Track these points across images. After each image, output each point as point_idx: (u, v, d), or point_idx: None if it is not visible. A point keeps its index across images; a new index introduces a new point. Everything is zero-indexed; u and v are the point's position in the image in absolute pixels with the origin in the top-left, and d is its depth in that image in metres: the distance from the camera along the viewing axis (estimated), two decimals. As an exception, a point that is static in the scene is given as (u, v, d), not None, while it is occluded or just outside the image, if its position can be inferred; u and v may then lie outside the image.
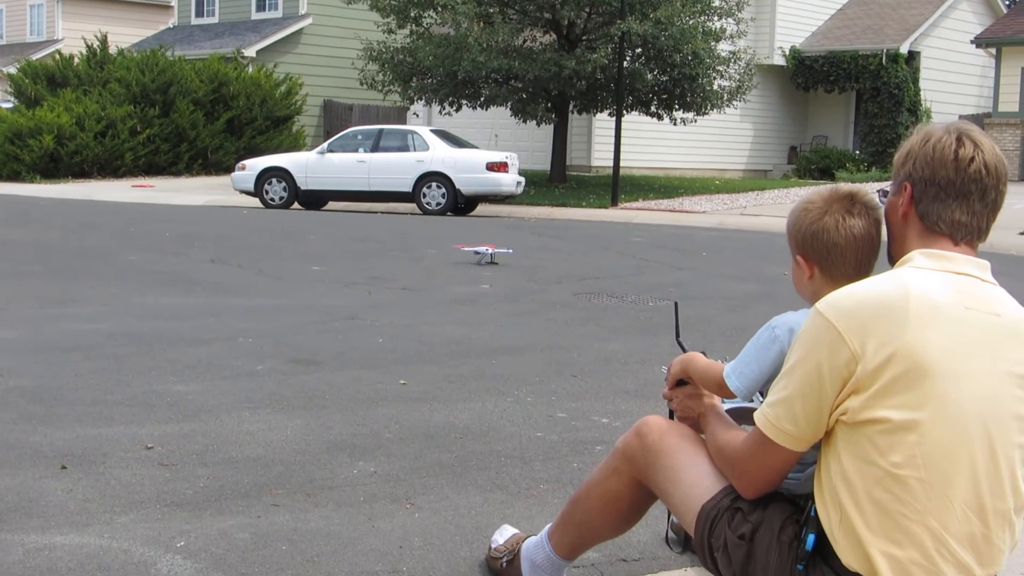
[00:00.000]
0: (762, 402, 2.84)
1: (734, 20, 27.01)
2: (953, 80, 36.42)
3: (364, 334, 8.34)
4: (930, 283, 2.67)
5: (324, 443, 5.27)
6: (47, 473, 4.69)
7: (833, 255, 2.98)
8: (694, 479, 3.05)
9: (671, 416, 3.32)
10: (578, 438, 5.48)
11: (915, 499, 2.63)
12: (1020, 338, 2.75)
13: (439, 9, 25.96)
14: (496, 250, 13.51)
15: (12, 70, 36.14)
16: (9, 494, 4.40)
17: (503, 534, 3.74)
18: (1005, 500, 2.73)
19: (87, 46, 34.55)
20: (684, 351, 3.36)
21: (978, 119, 32.79)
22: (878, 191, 3.01)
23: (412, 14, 27.22)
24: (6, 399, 5.96)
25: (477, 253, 13.40)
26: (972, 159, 2.71)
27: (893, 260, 2.85)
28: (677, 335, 3.57)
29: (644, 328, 9.02)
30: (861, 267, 2.97)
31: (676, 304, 3.81)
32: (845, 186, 3.11)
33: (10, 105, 33.78)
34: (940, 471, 2.63)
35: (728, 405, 3.14)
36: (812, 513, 2.77)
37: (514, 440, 5.40)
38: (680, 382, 3.23)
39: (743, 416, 3.01)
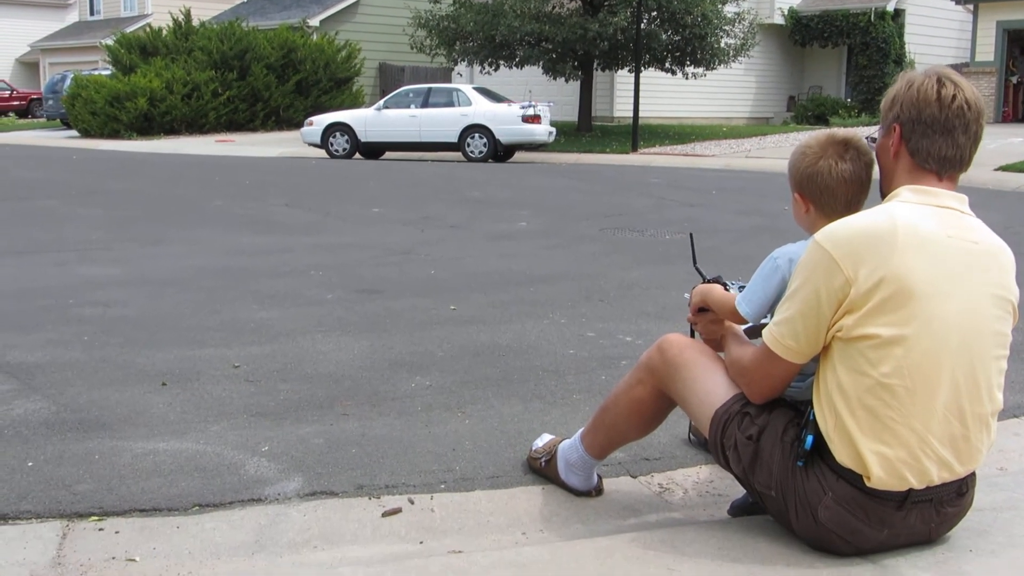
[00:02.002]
0: (770, 320, 2.84)
1: (739, -15, 26.59)
2: (935, 34, 35.72)
3: (418, 266, 8.35)
4: (915, 215, 2.65)
5: (386, 361, 5.29)
6: (150, 389, 4.75)
7: (826, 194, 2.97)
8: (708, 388, 3.06)
9: (692, 335, 3.34)
10: (605, 354, 5.47)
11: (902, 404, 2.63)
12: (995, 262, 2.73)
13: (479, -21, 25.70)
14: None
15: (109, 42, 36.04)
16: (119, 407, 4.46)
17: (542, 439, 3.76)
18: (983, 405, 2.73)
19: (173, 19, 34.38)
20: (702, 276, 3.38)
21: (957, 68, 32.13)
22: (867, 137, 2.98)
23: (455, -15, 26.98)
24: (114, 326, 6.02)
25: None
26: (954, 96, 2.68)
27: (884, 195, 2.83)
28: (694, 262, 3.57)
29: (662, 258, 8.97)
30: (851, 204, 2.97)
31: (691, 235, 3.80)
32: (840, 132, 3.08)
33: (109, 72, 33.73)
34: (924, 380, 2.63)
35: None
36: (811, 417, 2.78)
37: (550, 356, 5.40)
38: (701, 309, 3.24)
39: (757, 333, 3.01)
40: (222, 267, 8.27)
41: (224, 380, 4.89)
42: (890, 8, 33.77)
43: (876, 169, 2.92)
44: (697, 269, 3.47)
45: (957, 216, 2.71)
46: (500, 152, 22.81)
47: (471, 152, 22.62)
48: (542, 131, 22.72)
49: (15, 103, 46.08)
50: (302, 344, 5.61)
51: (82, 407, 4.45)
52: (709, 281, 3.31)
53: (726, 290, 3.22)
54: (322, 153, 23.75)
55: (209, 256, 8.92)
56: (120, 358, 5.29)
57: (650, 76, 28.61)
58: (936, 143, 2.68)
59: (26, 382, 4.84)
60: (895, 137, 2.76)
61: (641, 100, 25.30)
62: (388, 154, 24.12)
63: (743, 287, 3.15)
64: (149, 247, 9.49)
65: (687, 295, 3.37)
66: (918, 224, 2.62)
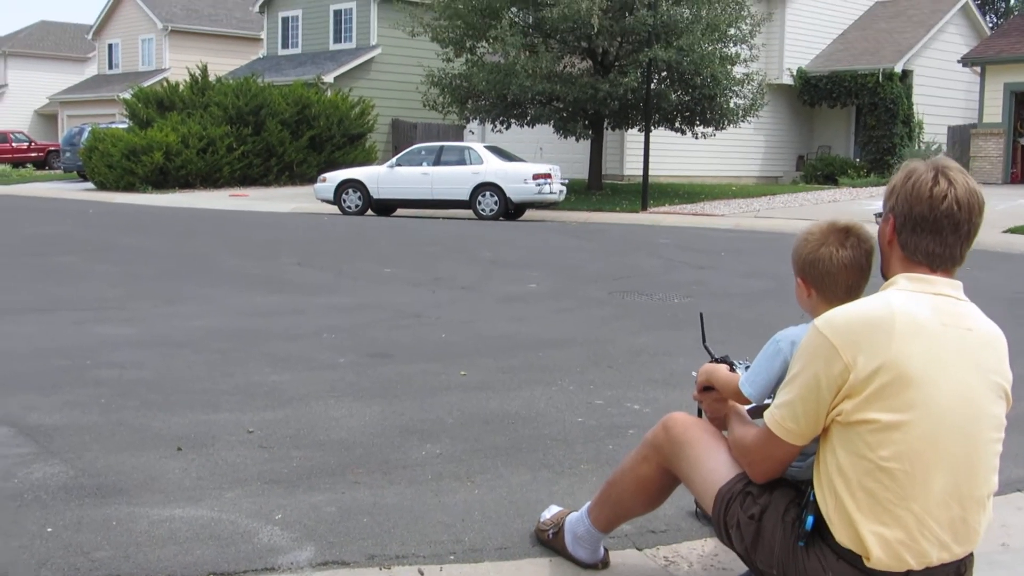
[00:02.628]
0: (772, 402, 2.92)
1: (747, 46, 26.88)
2: (943, 95, 36.01)
3: (429, 330, 8.44)
4: (912, 303, 2.73)
5: (397, 428, 5.37)
6: (166, 454, 4.83)
7: (827, 280, 3.07)
8: (712, 466, 3.13)
9: (699, 414, 3.42)
10: (613, 423, 5.55)
11: (901, 488, 2.70)
12: (990, 348, 2.80)
13: (491, 40, 25.98)
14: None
15: (127, 95, 36.52)
16: (136, 472, 4.54)
17: (549, 511, 3.83)
18: (980, 487, 2.79)
19: (190, 75, 34.83)
20: (710, 354, 3.46)
21: (965, 129, 32.42)
22: (875, 214, 3.05)
23: (467, 44, 27.32)
24: (130, 388, 6.11)
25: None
26: (945, 196, 2.75)
27: (885, 276, 2.91)
28: (703, 340, 3.65)
29: (670, 323, 9.05)
30: (851, 291, 3.06)
31: (701, 315, 3.89)
32: (841, 220, 3.18)
33: (125, 126, 34.12)
34: (923, 464, 2.69)
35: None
36: (811, 498, 2.84)
37: (558, 425, 5.48)
38: (707, 387, 3.33)
39: (760, 413, 3.09)
40: (236, 328, 8.38)
41: (238, 445, 4.98)
42: (898, 69, 34.08)
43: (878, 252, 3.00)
44: (706, 348, 3.56)
45: (952, 303, 2.79)
46: (511, 210, 22.99)
47: (482, 210, 22.80)
48: (553, 190, 22.90)
49: (33, 154, 46.59)
50: (315, 409, 5.70)
51: (100, 472, 4.54)
52: (717, 360, 3.40)
53: (732, 370, 3.30)
54: (335, 209, 23.95)
55: (223, 316, 9.03)
56: (136, 421, 5.38)
57: (660, 135, 28.89)
58: (924, 240, 2.76)
59: (45, 445, 4.93)
60: (889, 227, 2.85)
61: (651, 159, 25.52)
62: (400, 211, 24.32)
63: (749, 367, 3.23)
64: (164, 306, 9.60)
65: (694, 373, 3.45)
66: (914, 312, 2.70)
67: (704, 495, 3.13)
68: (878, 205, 3.02)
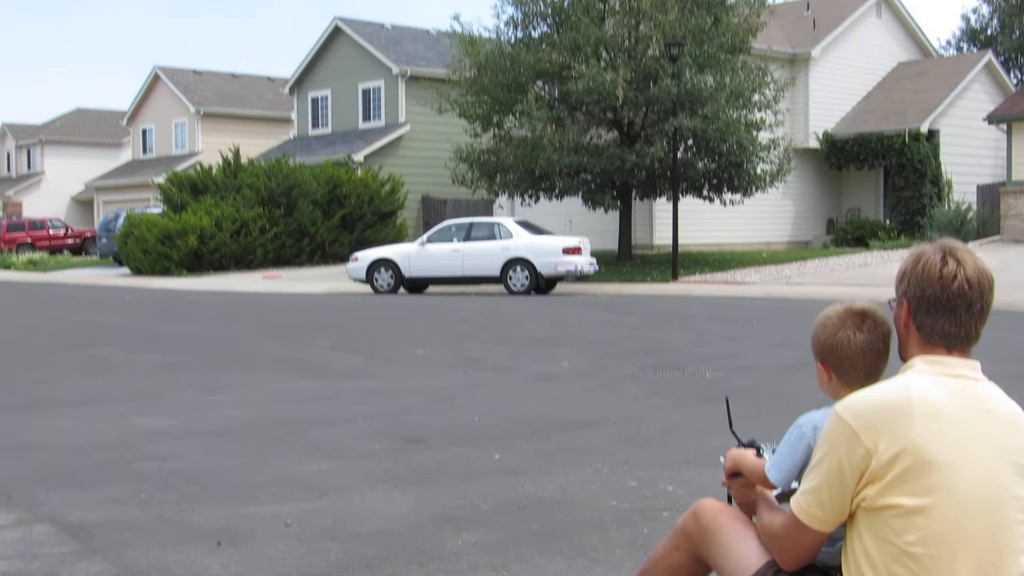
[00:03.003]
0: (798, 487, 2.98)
1: (772, 112, 27.10)
2: (970, 153, 36.01)
3: (463, 413, 8.52)
4: (930, 386, 2.79)
5: (433, 516, 5.43)
6: (206, 549, 4.92)
7: (846, 364, 3.14)
8: (742, 553, 3.18)
9: (729, 500, 3.46)
10: (647, 505, 5.59)
11: (927, 572, 2.74)
12: (1013, 429, 2.85)
13: (517, 115, 26.39)
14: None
15: (161, 180, 37.17)
16: (177, 568, 4.64)
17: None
18: (1007, 571, 2.82)
19: (223, 157, 35.40)
20: (737, 439, 3.52)
21: (994, 188, 32.37)
22: (888, 301, 3.12)
23: (494, 120, 27.70)
24: (170, 482, 6.22)
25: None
26: (955, 276, 2.82)
27: (903, 358, 2.98)
28: (730, 425, 3.69)
29: (702, 398, 9.08)
30: (871, 374, 3.13)
31: (727, 399, 3.93)
32: (858, 304, 3.24)
33: (159, 210, 34.68)
34: (948, 548, 2.73)
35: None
36: (841, 584, 2.88)
37: (592, 509, 5.53)
38: (735, 473, 3.39)
39: (788, 498, 3.14)
40: (272, 416, 8.49)
41: (277, 539, 5.05)
42: (924, 129, 34.16)
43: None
44: (733, 432, 3.61)
45: (971, 384, 2.84)
46: (542, 284, 23.12)
47: (513, 285, 22.95)
48: (583, 263, 23.04)
49: (70, 241, 47.38)
50: (351, 499, 5.78)
51: (142, 569, 4.63)
52: (744, 445, 3.45)
53: (759, 454, 3.36)
54: (367, 288, 24.17)
55: (260, 404, 9.15)
56: (176, 516, 5.48)
57: (689, 203, 29.05)
58: (940, 321, 2.83)
59: (87, 543, 5.03)
60: (904, 312, 2.92)
61: (680, 227, 25.65)
62: (432, 288, 24.51)
63: (775, 450, 3.29)
64: (202, 395, 9.74)
65: (722, 458, 3.51)
66: (933, 395, 2.76)
67: (735, 584, 3.18)
68: None
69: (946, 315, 2.83)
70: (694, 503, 3.38)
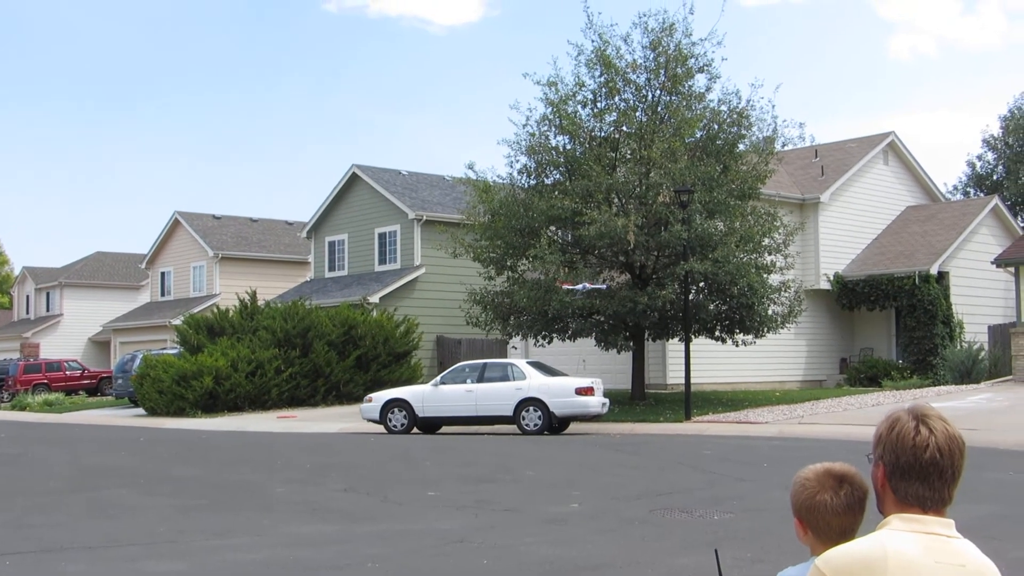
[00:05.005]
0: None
1: (782, 255, 27.52)
2: (980, 294, 36.33)
3: (472, 556, 8.60)
4: (904, 543, 2.97)
5: (439, 661, 5.52)
6: None
7: (822, 524, 3.33)
8: None
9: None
10: (650, 651, 5.66)
11: None
12: (982, 584, 3.01)
13: (530, 258, 26.86)
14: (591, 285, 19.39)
15: (177, 322, 37.63)
16: None
17: None
18: None
19: (240, 300, 35.94)
20: (727, 590, 3.66)
21: (1005, 328, 32.55)
22: (868, 455, 3.29)
23: (508, 263, 28.21)
24: (181, 627, 6.32)
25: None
26: (927, 446, 3.01)
27: (882, 513, 3.15)
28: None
29: (710, 542, 9.13)
30: (844, 533, 3.31)
31: (716, 552, 4.09)
32: (837, 467, 3.42)
33: (176, 352, 35.03)
34: None
35: None
36: None
37: (596, 654, 5.61)
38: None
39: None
40: (284, 560, 8.59)
41: None
42: (933, 271, 34.56)
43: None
44: (722, 585, 3.75)
45: (944, 541, 3.02)
46: (555, 424, 23.22)
47: (526, 425, 23.05)
48: (596, 403, 23.19)
49: (86, 382, 47.72)
50: (359, 644, 5.87)
51: None
52: (733, 594, 3.60)
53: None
54: (381, 428, 24.27)
55: (272, 548, 9.25)
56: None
57: (701, 343, 29.29)
58: (913, 487, 3.02)
59: None
60: (880, 474, 3.11)
61: (693, 367, 25.82)
62: (445, 428, 24.59)
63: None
64: (215, 539, 9.84)
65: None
66: (907, 551, 2.93)
67: None
68: None
69: (919, 481, 3.01)
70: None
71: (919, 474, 3.02)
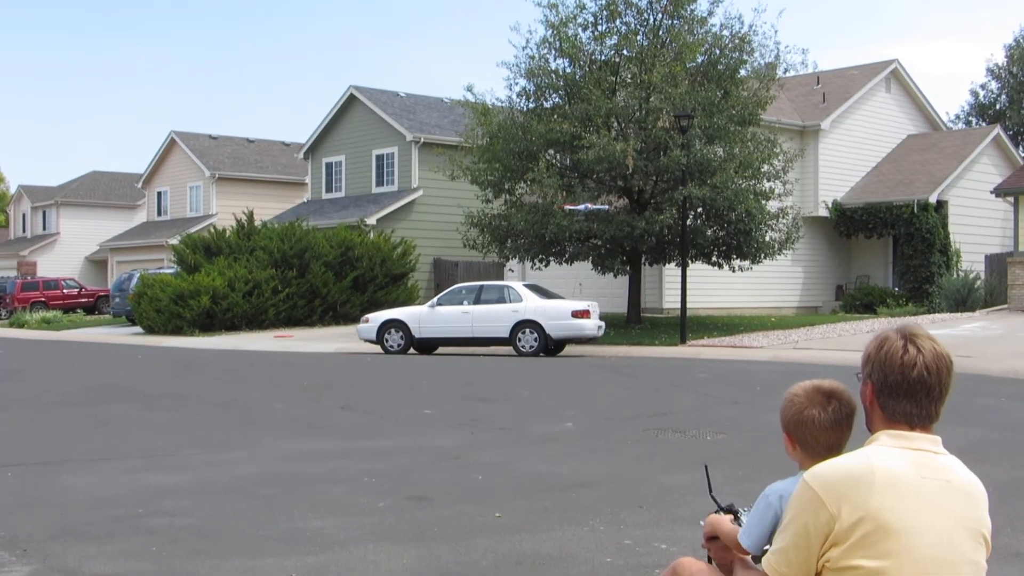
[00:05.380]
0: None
1: (781, 182, 27.46)
2: (978, 224, 36.31)
3: (467, 472, 8.72)
4: (891, 458, 3.02)
5: (434, 571, 5.64)
6: (214, 600, 5.13)
7: (810, 439, 3.38)
8: (718, 607, 3.39)
9: (709, 560, 3.68)
10: (640, 563, 5.78)
11: (886, 630, 2.94)
12: (968, 498, 3.07)
13: (528, 182, 26.77)
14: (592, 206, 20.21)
15: (175, 242, 37.60)
16: (186, 619, 4.84)
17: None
18: (961, 628, 3.03)
19: (237, 220, 35.88)
20: (717, 504, 3.75)
21: (1002, 257, 32.59)
22: (856, 374, 3.34)
23: (506, 186, 28.15)
24: (180, 536, 6.44)
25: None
26: (915, 364, 3.05)
27: (870, 430, 3.20)
28: (710, 491, 3.91)
29: (701, 461, 9.21)
30: (832, 448, 3.37)
31: (706, 467, 4.15)
32: (825, 383, 3.48)
33: (173, 271, 35.06)
34: (907, 608, 2.94)
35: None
36: (809, 638, 3.09)
37: (588, 565, 5.72)
38: (713, 537, 3.61)
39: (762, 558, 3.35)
40: (281, 473, 8.70)
41: (283, 591, 5.26)
42: (932, 200, 34.50)
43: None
44: (712, 498, 3.83)
45: (931, 457, 3.07)
46: (551, 346, 23.35)
47: (522, 347, 23.18)
48: (591, 326, 23.30)
49: (83, 300, 47.79)
50: (355, 554, 5.98)
51: (153, 618, 4.83)
52: (723, 509, 3.68)
53: (737, 517, 3.59)
54: (377, 349, 24.40)
55: (269, 462, 9.37)
56: (186, 569, 5.69)
57: (698, 268, 29.33)
58: (901, 404, 3.06)
59: (101, 593, 5.24)
60: (869, 391, 3.15)
61: (689, 292, 25.89)
62: (441, 349, 24.73)
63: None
64: (212, 453, 9.96)
65: (702, 523, 3.72)
66: (894, 467, 2.99)
67: (711, 634, 3.38)
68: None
69: (907, 399, 3.06)
70: (674, 561, 3.60)
71: (907, 392, 3.07)
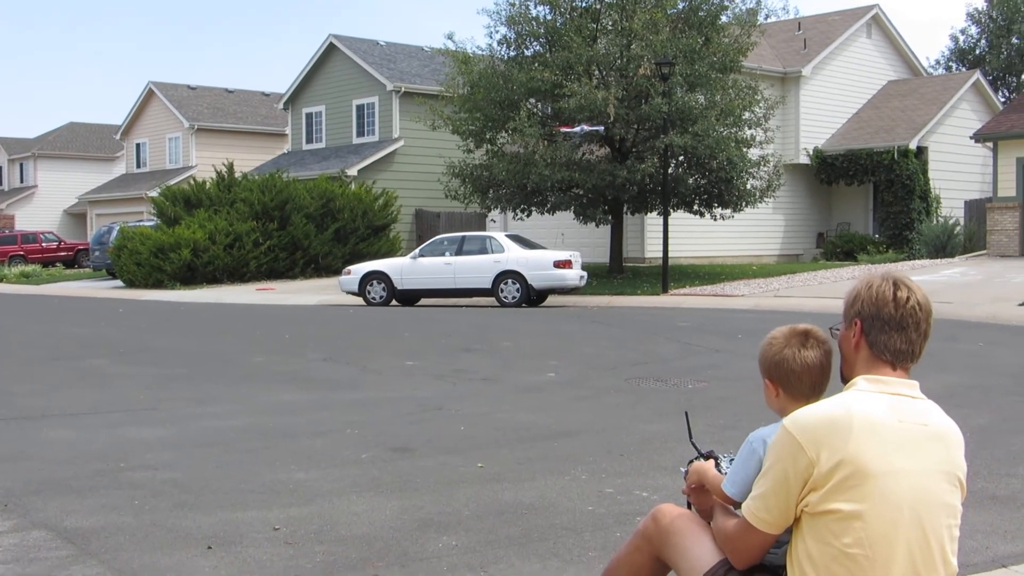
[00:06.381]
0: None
1: (762, 129, 27.41)
2: (958, 170, 36.38)
3: (449, 423, 8.74)
4: (870, 403, 3.04)
5: (416, 521, 5.66)
6: (197, 552, 5.14)
7: (792, 380, 3.38)
8: (697, 554, 3.42)
9: (689, 506, 3.70)
10: (622, 511, 5.81)
11: (863, 572, 2.98)
12: (944, 442, 3.10)
13: (510, 131, 26.64)
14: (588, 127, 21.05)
15: (154, 194, 37.34)
16: (169, 572, 4.86)
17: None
18: (937, 571, 3.07)
19: (216, 172, 35.64)
20: (697, 451, 3.76)
21: (981, 203, 32.71)
22: (831, 328, 3.37)
23: (487, 136, 28.02)
24: (162, 489, 6.44)
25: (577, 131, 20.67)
26: (908, 299, 3.09)
27: (844, 380, 3.22)
28: (690, 437, 3.93)
29: (683, 409, 9.27)
30: (815, 389, 3.37)
31: (687, 413, 4.17)
32: (801, 325, 3.49)
33: (153, 223, 34.87)
34: (882, 549, 2.98)
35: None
36: (786, 582, 3.12)
37: (569, 514, 5.75)
38: (698, 485, 3.63)
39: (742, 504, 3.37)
40: (263, 426, 8.70)
41: (265, 543, 5.28)
42: (913, 146, 34.53)
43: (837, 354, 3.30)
44: (693, 444, 3.84)
45: (908, 401, 3.09)
46: (533, 296, 23.37)
47: (504, 297, 23.19)
48: (573, 276, 23.31)
49: (62, 253, 47.52)
50: (338, 505, 6.00)
51: (135, 572, 4.85)
52: (703, 455, 3.69)
53: (718, 463, 3.60)
54: (360, 301, 24.38)
55: (251, 415, 9.37)
56: (168, 522, 5.69)
57: (680, 217, 29.33)
58: (892, 338, 3.08)
59: (83, 547, 5.25)
60: (856, 330, 3.16)
61: (671, 241, 25.92)
62: (424, 300, 24.73)
63: (733, 459, 3.53)
64: (194, 406, 9.95)
65: (683, 469, 3.74)
66: (871, 412, 3.01)
67: (691, 580, 3.41)
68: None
69: (898, 332, 3.08)
70: (654, 508, 3.61)
71: (899, 325, 3.09)
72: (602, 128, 24.84)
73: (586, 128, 24.61)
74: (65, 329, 18.74)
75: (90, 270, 40.84)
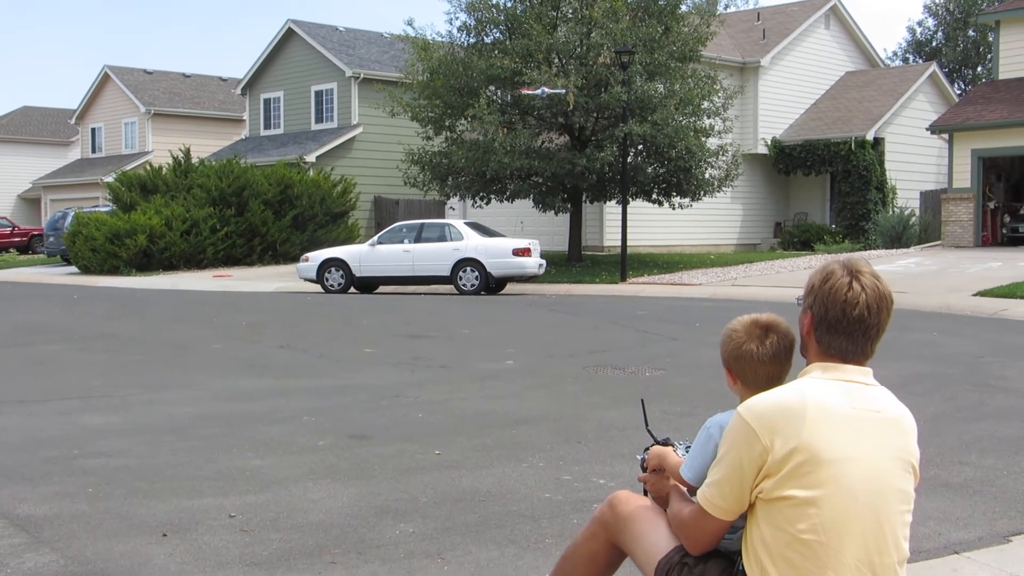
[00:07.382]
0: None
1: (721, 119, 27.54)
2: (914, 160, 36.77)
3: (407, 410, 8.72)
4: (823, 391, 3.06)
5: (373, 508, 5.65)
6: (152, 540, 5.10)
7: (749, 372, 3.41)
8: (653, 539, 3.44)
9: (645, 493, 3.72)
10: (579, 497, 5.83)
11: (817, 557, 3.01)
12: (897, 428, 3.13)
13: (469, 119, 26.60)
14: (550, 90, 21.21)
15: (110, 179, 36.93)
16: (123, 559, 4.81)
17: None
18: (890, 555, 3.10)
19: (173, 157, 35.33)
20: (653, 438, 3.78)
21: (936, 194, 33.07)
22: (796, 299, 3.36)
23: (446, 123, 27.96)
24: (116, 477, 6.38)
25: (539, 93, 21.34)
26: (856, 303, 3.07)
27: (805, 358, 3.24)
28: (646, 424, 3.95)
29: (640, 397, 9.30)
30: (771, 381, 3.39)
31: (643, 401, 4.19)
32: (763, 317, 3.50)
33: (108, 209, 34.50)
34: (836, 535, 3.00)
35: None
36: (741, 568, 3.15)
37: (526, 501, 5.76)
38: (658, 469, 3.65)
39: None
40: (219, 413, 8.64)
41: (221, 530, 5.24)
42: (869, 137, 34.85)
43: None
44: (649, 431, 3.86)
45: (862, 388, 3.12)
46: (492, 284, 23.37)
47: (463, 285, 23.18)
48: (532, 264, 23.34)
49: (16, 239, 46.91)
50: (294, 492, 5.97)
51: (88, 560, 4.80)
52: (659, 442, 3.71)
53: (675, 450, 3.62)
54: (318, 288, 24.27)
55: (207, 402, 9.30)
56: (123, 509, 5.64)
57: (639, 206, 29.45)
58: (837, 340, 3.10)
59: (35, 535, 5.19)
60: (808, 321, 3.18)
61: (630, 229, 26.02)
62: (382, 288, 24.66)
63: (689, 447, 3.55)
64: (149, 393, 9.86)
65: (639, 456, 3.75)
66: (825, 398, 3.03)
67: (646, 566, 3.43)
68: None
69: (844, 336, 3.09)
70: (611, 495, 3.63)
71: (845, 329, 3.10)
72: (564, 91, 24.75)
73: (547, 91, 24.54)
74: (17, 315, 18.51)
75: (44, 256, 40.36)
